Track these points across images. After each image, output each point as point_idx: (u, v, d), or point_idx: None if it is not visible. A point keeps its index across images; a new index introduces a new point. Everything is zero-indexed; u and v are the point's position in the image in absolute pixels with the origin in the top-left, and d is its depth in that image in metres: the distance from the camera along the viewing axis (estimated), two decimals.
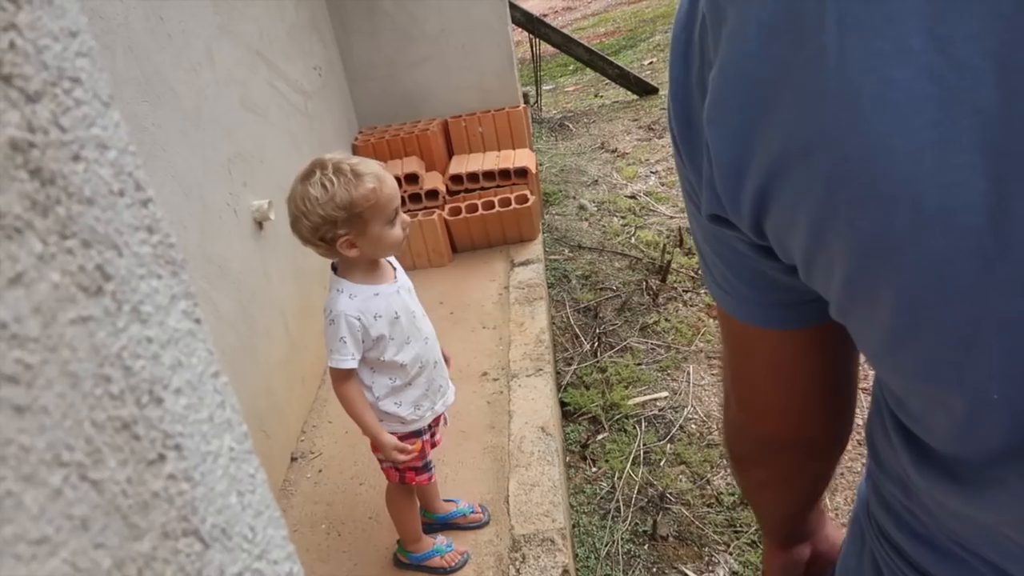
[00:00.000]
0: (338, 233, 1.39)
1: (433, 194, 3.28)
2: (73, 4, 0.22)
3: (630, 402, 2.54)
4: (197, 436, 0.25)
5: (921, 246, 0.37)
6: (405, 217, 1.47)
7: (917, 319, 0.39)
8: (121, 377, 0.22)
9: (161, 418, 0.23)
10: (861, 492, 0.65)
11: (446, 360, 1.68)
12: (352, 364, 1.48)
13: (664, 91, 5.61)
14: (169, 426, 0.24)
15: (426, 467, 1.68)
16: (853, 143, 0.36)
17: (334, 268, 1.52)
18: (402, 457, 1.56)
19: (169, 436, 0.24)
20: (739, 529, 2.06)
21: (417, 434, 1.63)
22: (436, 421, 1.69)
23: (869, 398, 0.61)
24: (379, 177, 1.39)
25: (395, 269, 1.58)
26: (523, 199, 3.19)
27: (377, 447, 1.59)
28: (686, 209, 0.56)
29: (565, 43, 5.52)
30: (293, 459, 2.26)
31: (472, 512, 1.90)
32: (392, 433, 1.58)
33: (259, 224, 2.23)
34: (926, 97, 0.34)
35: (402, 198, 3.22)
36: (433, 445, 1.72)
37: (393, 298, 1.51)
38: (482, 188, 3.35)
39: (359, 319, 1.46)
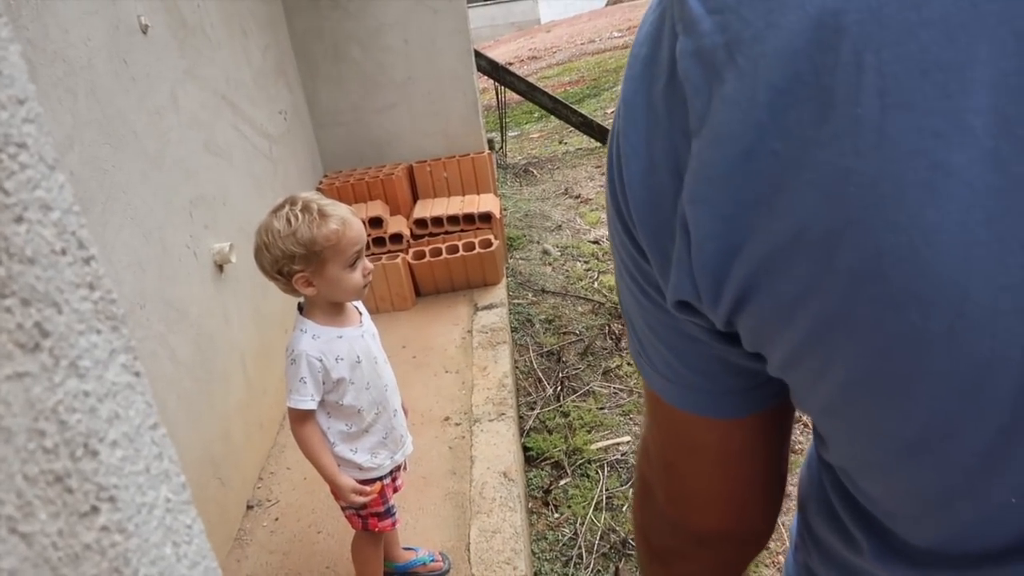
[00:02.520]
0: (294, 269, 1.40)
1: (397, 238, 3.29)
2: (22, 73, 0.24)
3: (593, 447, 2.55)
4: (133, 488, 0.26)
5: (959, 352, 0.33)
6: (368, 264, 1.48)
7: (940, 428, 0.36)
8: (56, 431, 0.22)
9: (96, 470, 0.24)
10: (788, 568, 0.64)
11: (404, 411, 1.68)
12: (311, 405, 1.47)
13: None
14: (104, 478, 0.24)
15: (388, 512, 1.65)
16: (889, 235, 0.32)
17: (300, 308, 1.52)
18: (360, 499, 1.54)
19: (103, 488, 0.24)
20: None
21: (375, 481, 1.61)
22: (396, 467, 1.67)
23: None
24: (345, 220, 1.41)
25: (361, 314, 1.58)
26: (487, 243, 3.21)
27: (336, 492, 1.57)
28: (621, 290, 0.52)
29: (530, 91, 5.64)
30: (249, 507, 2.21)
31: (432, 560, 1.87)
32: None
33: (220, 267, 2.21)
34: (985, 187, 0.30)
35: (366, 242, 3.23)
36: (395, 490, 1.70)
37: (357, 342, 1.51)
38: (446, 232, 3.38)
39: (320, 360, 1.46)
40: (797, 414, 0.55)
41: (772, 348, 0.41)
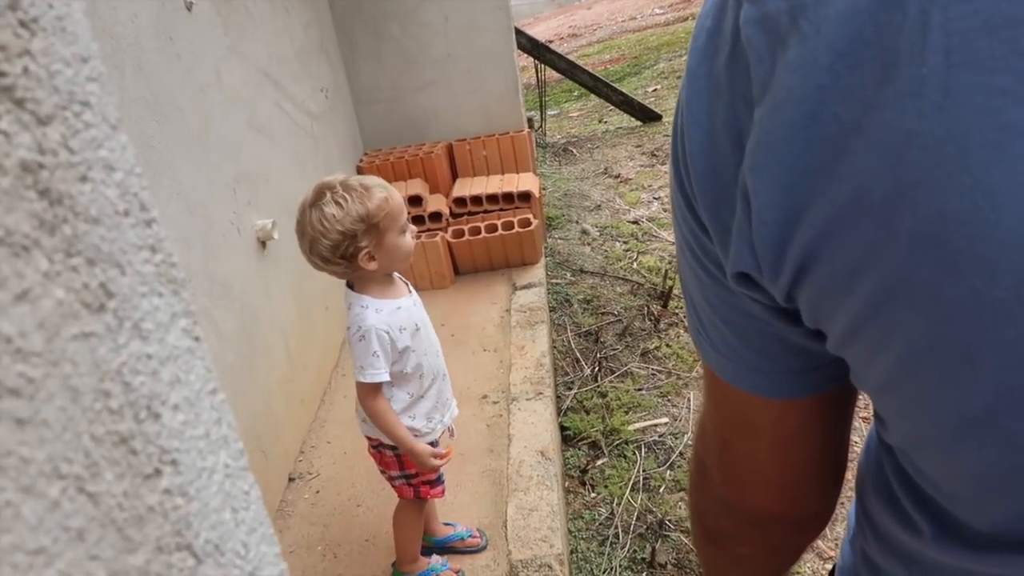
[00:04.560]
0: (359, 246, 1.42)
1: (436, 216, 3.30)
2: (85, 31, 0.23)
3: (630, 427, 2.54)
4: (193, 452, 0.26)
5: None
6: (412, 227, 1.52)
7: (1006, 403, 0.35)
8: (120, 392, 0.22)
9: (158, 433, 0.24)
10: (845, 556, 0.62)
11: None
12: (386, 377, 1.50)
13: (668, 119, 5.66)
14: (166, 441, 0.24)
15: (439, 479, 1.69)
16: (952, 197, 0.31)
17: (350, 285, 1.54)
18: (438, 462, 1.58)
19: (165, 451, 0.24)
20: None
21: (432, 445, 1.64)
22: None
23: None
24: (386, 187, 1.45)
25: (407, 284, 1.62)
26: (526, 223, 3.20)
27: (412, 459, 1.60)
28: (681, 265, 0.52)
29: (570, 69, 5.58)
30: (291, 480, 2.25)
31: (470, 536, 1.89)
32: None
33: (262, 243, 2.24)
34: None
35: None
36: None
37: (413, 310, 1.55)
38: (485, 211, 3.37)
39: (388, 332, 1.49)
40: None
41: (831, 321, 0.40)
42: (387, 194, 1.43)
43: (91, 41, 0.23)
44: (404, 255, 1.49)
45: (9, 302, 0.19)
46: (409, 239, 1.49)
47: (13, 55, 0.20)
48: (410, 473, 1.64)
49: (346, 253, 1.42)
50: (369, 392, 1.52)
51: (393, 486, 1.69)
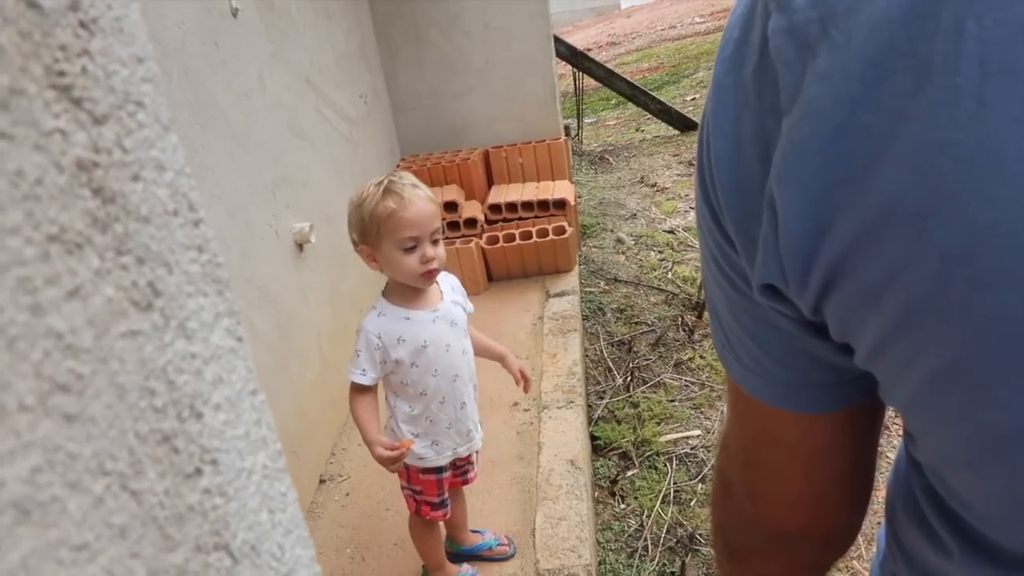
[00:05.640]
0: (353, 238, 1.43)
1: (472, 223, 3.31)
2: (141, 32, 0.24)
3: (662, 439, 2.51)
4: (233, 452, 0.26)
5: None
6: (430, 252, 1.40)
7: None
8: (165, 391, 0.23)
9: (200, 432, 0.24)
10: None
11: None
12: (360, 379, 1.44)
13: None
14: (207, 441, 0.24)
15: (442, 503, 1.64)
16: (985, 210, 0.30)
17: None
18: (388, 453, 1.42)
19: (207, 451, 0.24)
20: None
21: (436, 471, 1.60)
22: (467, 459, 1.66)
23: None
24: (404, 200, 1.36)
25: (442, 299, 1.52)
26: (561, 230, 3.20)
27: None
28: (707, 278, 0.51)
29: (608, 77, 5.57)
30: (322, 481, 2.27)
31: (498, 544, 1.88)
32: (411, 466, 1.57)
33: (300, 246, 2.27)
34: None
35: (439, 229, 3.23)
36: (465, 482, 1.70)
37: (425, 326, 1.47)
38: (520, 218, 3.37)
39: (379, 337, 1.44)
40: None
41: (859, 336, 0.39)
42: (395, 206, 1.35)
43: (147, 42, 0.24)
44: (402, 272, 1.41)
45: (61, 299, 0.19)
46: (411, 262, 1.39)
47: (73, 55, 0.20)
48: (415, 488, 1.61)
49: (352, 236, 1.43)
50: (351, 388, 1.47)
51: (404, 494, 1.67)
